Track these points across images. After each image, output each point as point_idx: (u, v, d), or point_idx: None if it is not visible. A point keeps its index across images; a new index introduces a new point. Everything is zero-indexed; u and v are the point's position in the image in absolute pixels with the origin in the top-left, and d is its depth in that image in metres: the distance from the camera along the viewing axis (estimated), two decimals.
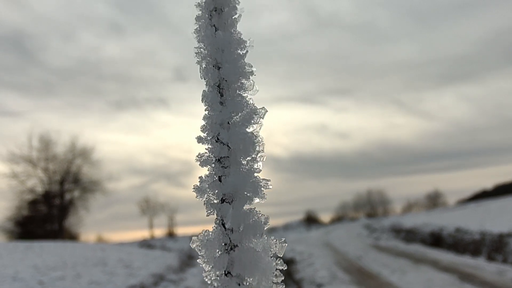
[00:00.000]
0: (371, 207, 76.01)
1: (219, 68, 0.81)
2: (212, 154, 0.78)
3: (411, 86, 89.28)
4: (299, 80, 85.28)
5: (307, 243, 29.39)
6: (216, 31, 0.81)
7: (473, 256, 17.94)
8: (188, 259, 22.55)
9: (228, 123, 0.78)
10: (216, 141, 0.77)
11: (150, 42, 72.13)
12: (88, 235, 49.33)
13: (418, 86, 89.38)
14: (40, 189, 42.05)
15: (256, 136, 0.78)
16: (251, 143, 0.76)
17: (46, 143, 41.58)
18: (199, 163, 0.78)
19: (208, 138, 0.78)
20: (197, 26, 0.83)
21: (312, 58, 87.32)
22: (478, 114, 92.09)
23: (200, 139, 0.79)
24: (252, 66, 0.81)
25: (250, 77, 0.81)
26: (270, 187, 0.77)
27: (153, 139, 75.28)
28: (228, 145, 0.76)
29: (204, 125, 0.79)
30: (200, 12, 0.83)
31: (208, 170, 0.79)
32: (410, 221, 35.07)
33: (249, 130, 0.78)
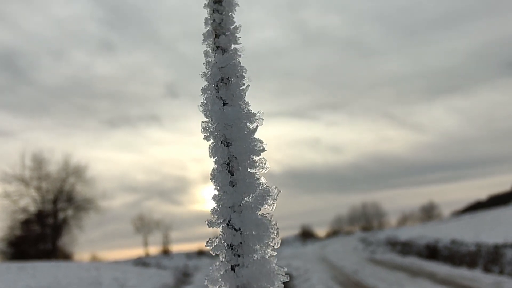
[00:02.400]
0: (366, 221, 75.95)
1: (228, 145, 0.78)
2: (223, 240, 0.74)
3: (401, 99, 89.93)
4: (290, 95, 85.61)
5: (303, 258, 29.22)
6: (224, 105, 0.78)
7: (470, 268, 17.89)
8: (183, 277, 22.35)
9: (240, 205, 0.74)
10: (228, 226, 0.74)
11: (141, 59, 72.21)
12: (82, 254, 48.76)
13: (409, 99, 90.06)
14: (33, 208, 41.68)
15: (270, 221, 0.74)
16: (265, 229, 0.73)
17: (39, 162, 41.31)
18: (210, 249, 0.75)
19: (219, 221, 0.75)
20: (203, 99, 0.80)
21: (303, 73, 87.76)
22: (469, 126, 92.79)
23: (210, 223, 0.75)
24: (262, 142, 0.78)
25: (261, 153, 0.78)
26: (286, 278, 0.73)
27: (146, 156, 75.03)
28: (240, 231, 0.73)
29: (214, 208, 0.75)
30: (206, 83, 0.81)
31: (220, 256, 0.75)
32: (405, 234, 35.02)
33: (262, 212, 0.75)
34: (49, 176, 41.90)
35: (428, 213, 73.12)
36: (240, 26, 0.82)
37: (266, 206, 0.75)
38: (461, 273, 16.59)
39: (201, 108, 0.79)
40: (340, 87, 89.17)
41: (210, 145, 0.78)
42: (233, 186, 0.76)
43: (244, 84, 0.80)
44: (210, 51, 0.82)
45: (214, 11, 0.82)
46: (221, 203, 0.75)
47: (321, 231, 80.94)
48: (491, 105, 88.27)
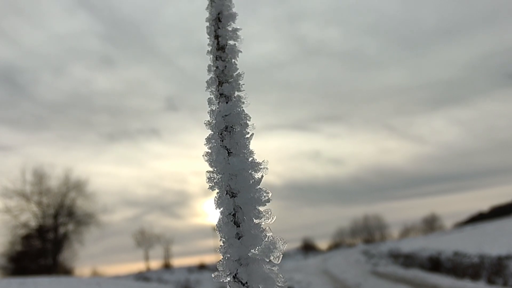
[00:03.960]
0: (368, 233, 75.64)
1: (233, 195, 0.77)
2: None
3: (401, 111, 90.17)
4: (291, 108, 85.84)
5: (305, 271, 29.05)
6: (228, 154, 0.78)
7: (473, 280, 17.75)
8: None
9: (246, 258, 0.74)
10: (234, 279, 0.73)
11: (141, 73, 72.56)
12: (83, 269, 48.49)
13: (409, 110, 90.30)
14: (33, 223, 41.54)
15: (277, 274, 0.74)
16: (272, 283, 0.72)
17: (39, 177, 41.26)
18: None
19: (226, 275, 0.74)
20: (208, 148, 0.80)
21: (303, 86, 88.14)
22: (470, 137, 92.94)
23: (217, 277, 0.75)
24: (268, 193, 0.78)
25: (267, 204, 0.77)
26: None
27: (146, 170, 74.99)
28: (247, 285, 0.72)
29: (221, 261, 0.75)
30: (210, 133, 0.81)
31: None
32: (408, 246, 34.85)
33: (268, 265, 0.74)
34: (50, 190, 41.86)
35: (430, 224, 72.90)
36: (244, 73, 0.82)
37: (272, 258, 0.75)
38: (465, 285, 16.47)
39: (205, 158, 0.80)
40: (340, 99, 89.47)
41: (215, 196, 0.78)
42: (239, 238, 0.76)
43: (248, 133, 0.80)
44: (214, 98, 0.82)
45: (217, 58, 0.83)
46: (227, 255, 0.75)
47: (323, 244, 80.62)
48: (491, 116, 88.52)
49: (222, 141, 0.79)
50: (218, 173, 0.79)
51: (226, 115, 0.79)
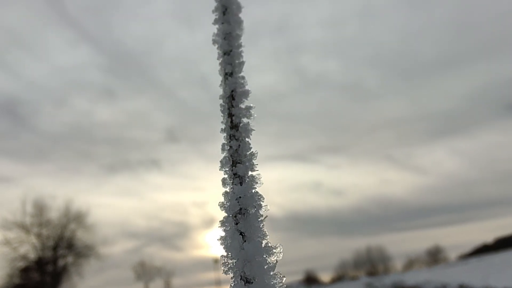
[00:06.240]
0: (371, 265, 74.72)
1: (247, 281, 0.76)
2: None
3: (402, 142, 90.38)
4: (291, 139, 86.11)
5: None
6: (243, 237, 0.78)
7: None
8: None
9: None
10: None
11: (142, 105, 73.04)
12: None
13: (409, 141, 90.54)
14: (32, 255, 41.07)
15: None
16: None
17: (40, 208, 41.05)
18: None
19: None
20: (222, 230, 0.80)
21: (303, 117, 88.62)
22: (471, 168, 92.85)
23: None
24: (283, 277, 0.77)
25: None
26: None
27: (146, 201, 74.56)
28: None
29: None
30: (225, 215, 0.81)
31: None
32: (412, 279, 34.34)
33: None
34: (50, 222, 41.57)
35: (434, 256, 72.09)
36: (257, 152, 0.83)
37: None
38: None
39: (220, 242, 0.79)
40: (340, 131, 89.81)
41: (230, 284, 0.78)
42: None
43: (262, 216, 0.80)
44: (228, 179, 0.83)
45: (230, 137, 0.83)
46: None
47: (325, 276, 79.51)
48: (491, 147, 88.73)
49: (237, 224, 0.79)
50: (232, 258, 0.78)
51: (240, 197, 0.80)
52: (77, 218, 42.33)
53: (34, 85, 63.22)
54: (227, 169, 0.82)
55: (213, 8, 0.96)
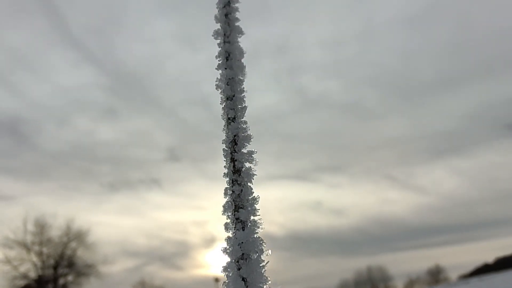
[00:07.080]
0: (372, 285, 74.03)
1: None
2: None
3: (402, 161, 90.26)
4: (292, 158, 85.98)
5: None
6: (245, 283, 0.80)
7: None
8: None
9: None
10: None
11: (143, 124, 73.07)
12: None
13: (409, 161, 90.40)
14: (33, 274, 40.75)
15: None
16: None
17: (41, 227, 40.88)
18: None
19: None
20: (225, 276, 0.82)
21: (303, 136, 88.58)
22: (471, 188, 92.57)
23: None
24: None
25: None
26: None
27: (146, 220, 74.17)
28: None
29: None
30: (227, 261, 0.83)
31: None
32: None
33: None
34: (51, 241, 41.35)
35: (435, 276, 71.51)
36: (259, 196, 0.85)
37: None
38: None
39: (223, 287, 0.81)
40: (340, 150, 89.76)
41: None
42: None
43: (264, 261, 0.82)
44: (230, 223, 0.85)
45: (233, 182, 0.86)
46: None
47: None
48: (492, 166, 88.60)
49: (239, 269, 0.81)
50: None
51: (242, 243, 0.82)
52: (78, 236, 42.13)
53: (37, 105, 63.52)
54: (229, 214, 0.85)
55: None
